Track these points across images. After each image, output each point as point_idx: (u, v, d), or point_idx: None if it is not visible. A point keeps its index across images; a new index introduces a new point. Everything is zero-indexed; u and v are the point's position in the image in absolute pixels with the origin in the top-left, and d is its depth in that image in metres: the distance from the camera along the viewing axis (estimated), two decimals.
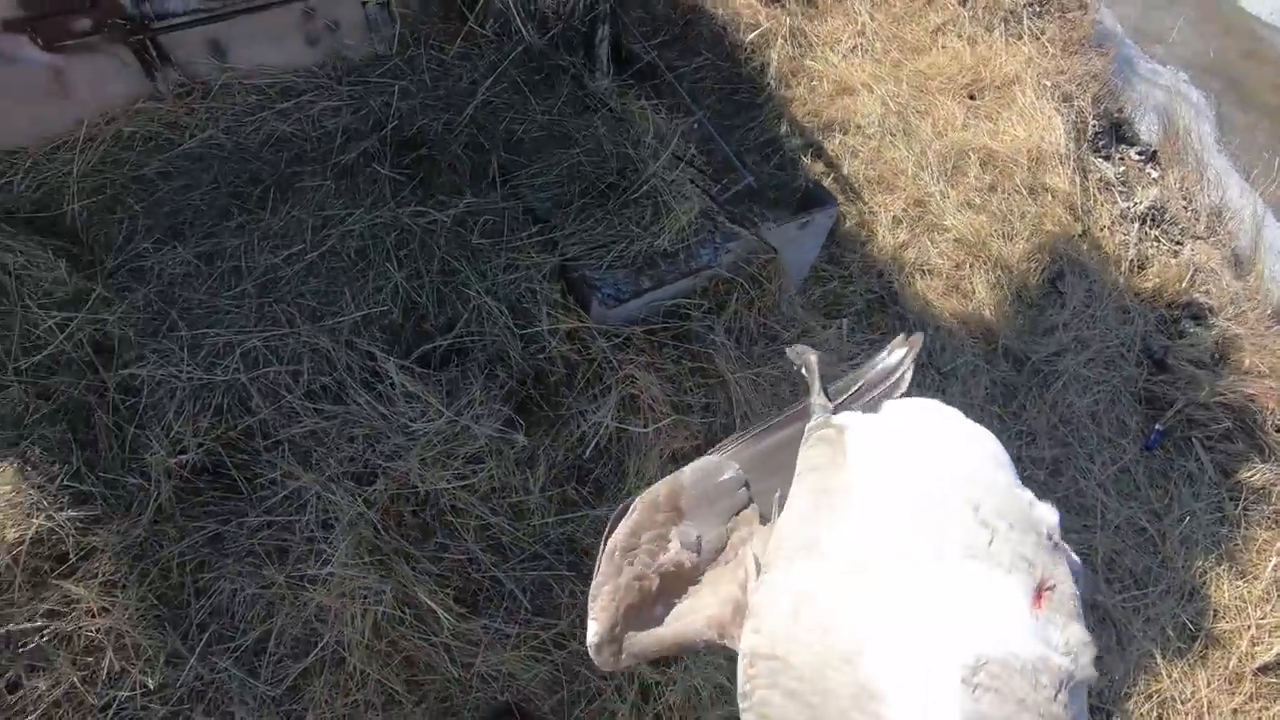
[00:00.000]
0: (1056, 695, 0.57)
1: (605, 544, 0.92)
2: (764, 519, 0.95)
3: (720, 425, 2.62)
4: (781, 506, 0.87)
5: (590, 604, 0.87)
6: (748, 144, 3.71)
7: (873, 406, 0.98)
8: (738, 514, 0.96)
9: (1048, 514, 0.75)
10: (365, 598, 2.14)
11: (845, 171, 3.71)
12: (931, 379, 3.14)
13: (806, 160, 3.72)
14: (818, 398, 0.99)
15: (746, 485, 0.96)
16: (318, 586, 2.15)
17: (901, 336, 1.10)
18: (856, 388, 1.05)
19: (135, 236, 2.42)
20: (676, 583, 0.88)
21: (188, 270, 2.38)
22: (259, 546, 2.21)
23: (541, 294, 2.41)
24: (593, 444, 2.30)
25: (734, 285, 2.70)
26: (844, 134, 3.82)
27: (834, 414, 0.96)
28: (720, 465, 0.98)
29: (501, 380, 2.37)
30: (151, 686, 2.09)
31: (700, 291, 2.65)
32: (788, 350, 1.18)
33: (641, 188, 2.49)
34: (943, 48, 4.33)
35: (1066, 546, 0.83)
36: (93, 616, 2.10)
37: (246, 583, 2.19)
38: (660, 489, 0.97)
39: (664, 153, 2.61)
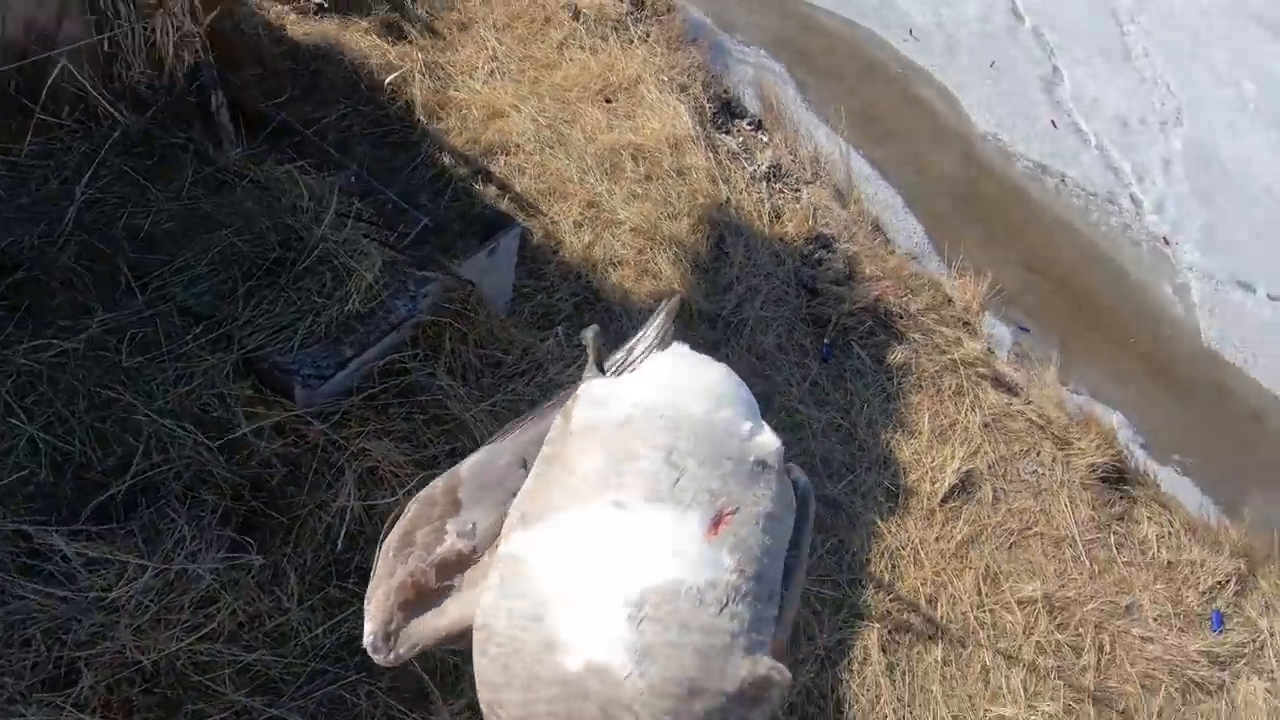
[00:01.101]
0: (723, 610, 0.63)
1: (380, 546, 0.88)
2: None
3: None
4: None
5: (366, 606, 0.83)
6: (416, 183, 3.67)
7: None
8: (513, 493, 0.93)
9: (766, 441, 0.82)
10: None
11: (518, 189, 3.87)
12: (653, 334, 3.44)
13: (479, 187, 3.80)
14: (589, 371, 0.98)
15: (525, 466, 0.93)
16: None
17: (663, 302, 1.14)
18: (626, 356, 1.05)
19: None
20: (456, 572, 0.86)
21: None
22: None
23: (230, 396, 2.16)
24: (342, 533, 2.13)
25: (443, 327, 2.68)
26: (506, 155, 3.97)
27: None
28: (497, 451, 0.96)
29: (211, 504, 2.09)
30: None
31: (411, 341, 2.59)
32: (580, 334, 1.17)
33: (312, 255, 2.34)
34: (570, 60, 4.69)
35: (793, 467, 0.94)
36: None
37: None
38: (437, 484, 0.94)
39: (326, 214, 2.48)
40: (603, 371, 1.03)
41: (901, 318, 4.15)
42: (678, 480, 0.71)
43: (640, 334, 1.09)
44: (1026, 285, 6.16)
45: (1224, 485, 4.75)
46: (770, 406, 3.64)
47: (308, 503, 2.19)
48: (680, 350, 1.00)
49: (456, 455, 2.59)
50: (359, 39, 4.08)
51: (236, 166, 2.56)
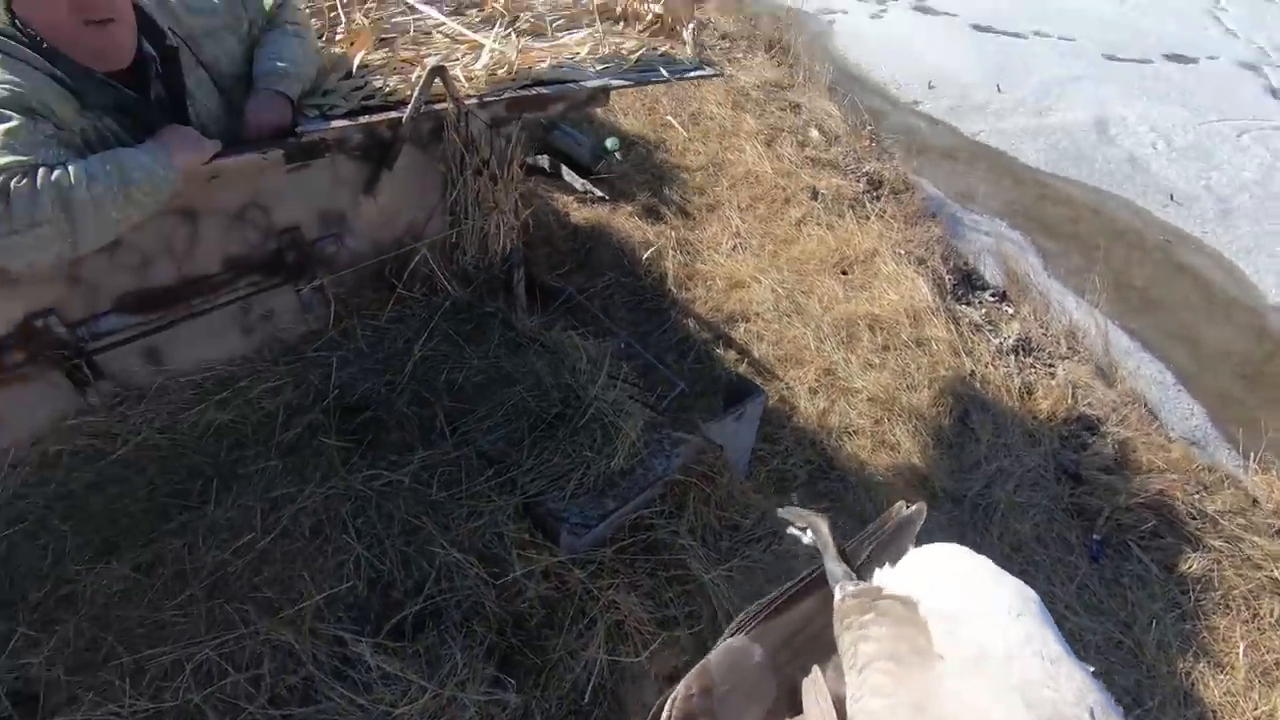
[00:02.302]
0: None
1: None
2: (794, 708, 0.89)
3: (708, 633, 2.58)
4: (822, 695, 0.82)
5: None
6: (664, 345, 4.01)
7: (893, 561, 0.94)
8: (768, 709, 0.88)
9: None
10: None
11: (756, 355, 4.05)
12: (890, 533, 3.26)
13: (720, 351, 4.04)
14: (836, 564, 0.95)
15: (775, 668, 0.90)
16: None
17: (902, 503, 1.10)
18: (869, 550, 1.00)
19: (63, 559, 2.25)
20: None
21: (125, 586, 2.22)
22: None
23: (508, 536, 2.40)
24: (589, 686, 2.19)
25: (688, 486, 2.79)
26: (746, 322, 4.21)
27: (858, 578, 0.91)
28: (746, 649, 0.92)
29: (480, 636, 2.27)
30: None
31: (659, 499, 2.72)
32: (780, 511, 1.13)
33: (587, 413, 2.61)
34: (808, 236, 4.97)
35: None
36: None
37: None
38: (693, 686, 0.89)
39: (600, 376, 2.78)
40: (849, 564, 0.98)
41: (1194, 519, 3.53)
42: None
43: (880, 527, 1.04)
44: None
45: None
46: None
47: (560, 648, 2.30)
48: (959, 549, 0.95)
49: (693, 619, 2.60)
50: (624, 221, 4.71)
51: (531, 332, 2.99)
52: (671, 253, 4.55)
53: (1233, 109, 9.31)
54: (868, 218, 5.16)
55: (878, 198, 5.40)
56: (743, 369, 3.97)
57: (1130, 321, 6.02)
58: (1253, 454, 4.31)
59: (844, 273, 4.67)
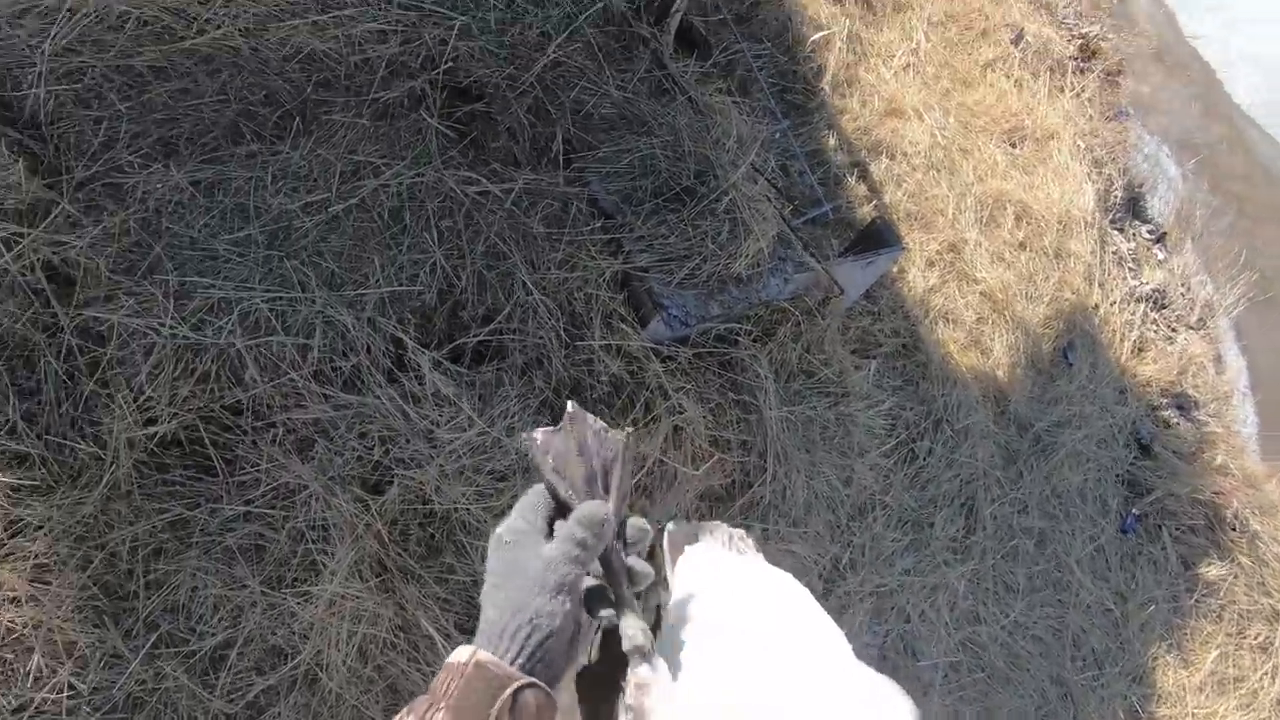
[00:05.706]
0: None
1: None
2: None
3: (753, 465, 2.46)
4: None
5: None
6: (793, 151, 3.49)
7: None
8: None
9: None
10: (359, 619, 1.87)
11: (887, 200, 3.57)
12: (945, 435, 3.09)
13: (850, 180, 3.54)
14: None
15: None
16: (301, 599, 1.87)
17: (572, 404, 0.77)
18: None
19: (116, 143, 1.97)
20: None
21: (181, 199, 1.96)
22: (233, 541, 1.89)
23: (598, 300, 2.15)
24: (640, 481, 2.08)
25: (787, 316, 2.52)
26: (890, 159, 3.66)
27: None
28: None
29: (539, 390, 2.11)
30: (83, 690, 1.77)
31: (752, 318, 2.46)
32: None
33: (722, 200, 2.24)
34: (990, 85, 4.22)
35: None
36: (18, 604, 1.74)
37: (211, 580, 1.88)
38: None
39: (744, 162, 2.36)
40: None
41: (1235, 531, 3.42)
42: None
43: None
44: None
45: None
46: (1044, 545, 3.15)
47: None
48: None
49: (745, 449, 2.46)
50: None
51: (683, 80, 2.49)
52: (839, 47, 3.83)
53: None
54: (1062, 90, 4.36)
55: (1083, 71, 4.53)
56: (864, 211, 3.51)
57: (1241, 307, 5.45)
58: None
59: (1013, 145, 4.02)
